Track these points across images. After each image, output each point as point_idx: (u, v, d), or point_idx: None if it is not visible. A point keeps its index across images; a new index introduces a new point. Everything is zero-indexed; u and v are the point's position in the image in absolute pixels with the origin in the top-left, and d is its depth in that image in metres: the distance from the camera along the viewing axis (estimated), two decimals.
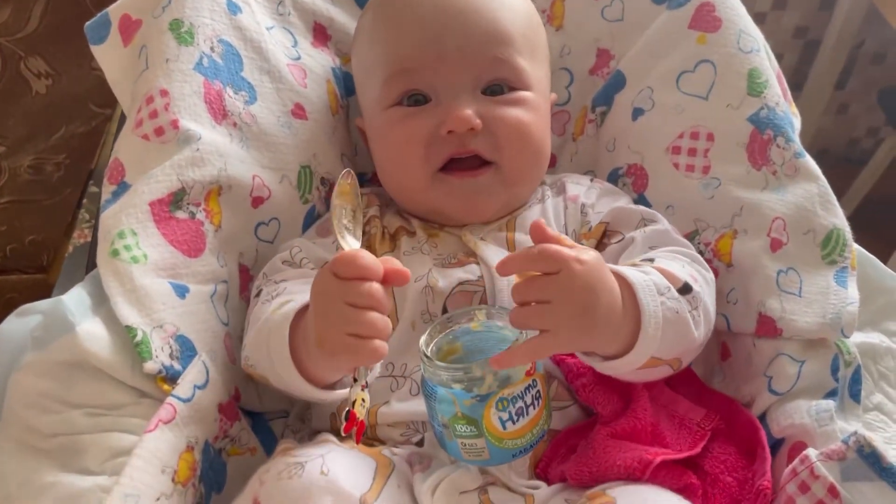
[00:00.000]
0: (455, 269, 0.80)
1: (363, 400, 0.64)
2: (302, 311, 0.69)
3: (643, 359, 0.68)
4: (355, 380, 0.65)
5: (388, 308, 0.65)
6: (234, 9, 0.85)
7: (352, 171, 0.73)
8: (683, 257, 0.76)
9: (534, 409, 0.68)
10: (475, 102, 0.81)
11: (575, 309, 0.64)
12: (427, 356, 0.67)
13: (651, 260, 0.74)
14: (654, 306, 0.67)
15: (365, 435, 0.69)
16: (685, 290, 0.70)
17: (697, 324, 0.71)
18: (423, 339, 0.69)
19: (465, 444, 0.68)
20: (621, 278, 0.68)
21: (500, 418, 0.66)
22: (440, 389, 0.67)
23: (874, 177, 1.98)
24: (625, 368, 0.69)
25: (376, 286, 0.64)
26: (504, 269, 0.66)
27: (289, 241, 0.85)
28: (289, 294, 0.74)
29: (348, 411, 0.63)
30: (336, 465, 0.63)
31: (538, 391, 0.68)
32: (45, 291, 0.81)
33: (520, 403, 0.67)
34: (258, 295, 0.78)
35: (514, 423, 0.67)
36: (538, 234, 0.66)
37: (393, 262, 0.66)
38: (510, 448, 0.68)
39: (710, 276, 0.77)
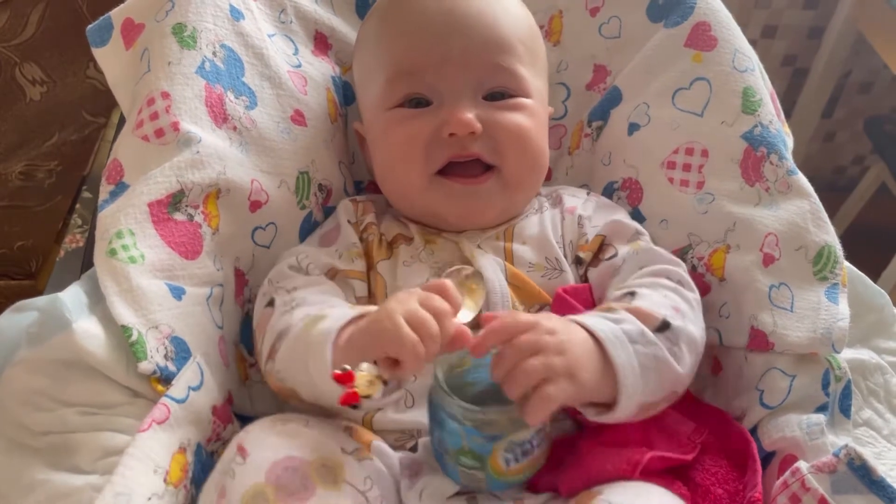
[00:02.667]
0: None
1: (370, 382, 0.63)
2: (342, 330, 0.68)
3: (632, 409, 0.68)
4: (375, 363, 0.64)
5: (446, 331, 0.65)
6: (236, 15, 0.86)
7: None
8: (667, 281, 0.76)
9: (538, 449, 0.68)
10: (476, 107, 0.82)
11: (559, 348, 0.64)
12: (445, 389, 0.66)
13: (633, 293, 0.74)
14: (626, 358, 0.67)
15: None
16: (663, 327, 0.70)
17: (679, 359, 0.70)
18: (437, 365, 0.68)
19: (465, 473, 0.68)
20: (590, 332, 0.68)
21: (506, 458, 0.67)
22: (451, 423, 0.66)
23: (859, 204, 2.02)
24: (620, 419, 0.68)
25: (447, 307, 0.66)
26: (480, 350, 0.67)
27: (292, 248, 0.85)
28: (311, 305, 0.74)
29: (345, 368, 0.62)
30: (319, 427, 0.65)
31: (545, 432, 0.69)
32: (33, 297, 0.81)
33: (527, 445, 0.67)
34: (271, 303, 0.77)
35: (517, 461, 0.67)
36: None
37: (465, 330, 0.66)
38: (508, 481, 0.68)
39: (695, 296, 0.77)
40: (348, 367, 0.63)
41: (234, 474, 0.62)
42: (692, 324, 0.73)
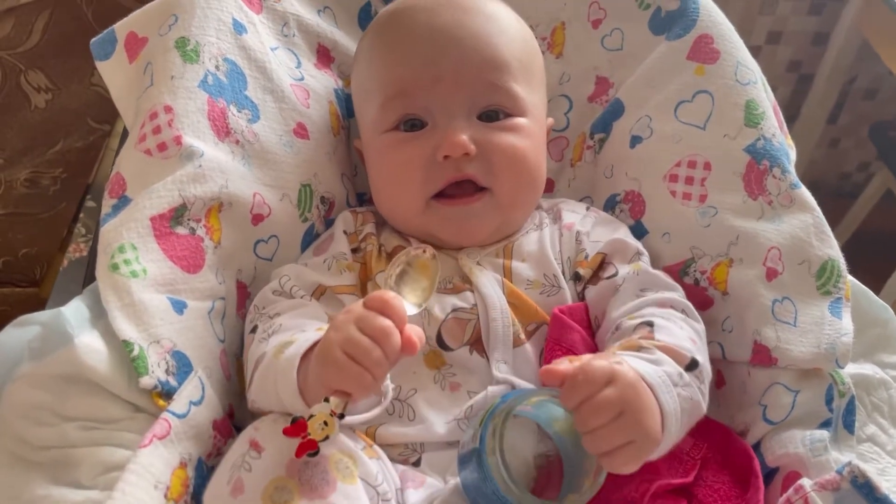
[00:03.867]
0: (450, 295, 0.80)
1: (325, 423, 0.62)
2: (307, 354, 0.68)
3: (665, 451, 0.67)
4: (327, 400, 0.63)
5: (391, 351, 0.64)
6: (239, 29, 0.86)
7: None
8: (677, 312, 0.75)
9: None
10: (470, 127, 0.81)
11: (639, 406, 0.62)
12: (518, 488, 0.62)
13: (650, 324, 0.72)
14: (673, 405, 0.65)
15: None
16: (692, 366, 0.69)
17: (705, 396, 0.70)
18: (495, 457, 0.63)
19: None
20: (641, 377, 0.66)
21: None
22: None
23: (864, 211, 2.01)
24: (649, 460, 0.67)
25: (389, 325, 0.64)
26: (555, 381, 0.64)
27: (278, 269, 0.84)
28: (285, 331, 0.73)
29: (296, 418, 0.62)
30: None
31: None
32: (37, 305, 0.81)
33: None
34: (254, 331, 0.78)
35: None
36: (552, 377, 0.64)
37: (415, 330, 0.66)
38: None
39: (701, 326, 0.76)
40: (299, 415, 0.63)
41: (250, 468, 0.62)
42: (705, 356, 0.72)
